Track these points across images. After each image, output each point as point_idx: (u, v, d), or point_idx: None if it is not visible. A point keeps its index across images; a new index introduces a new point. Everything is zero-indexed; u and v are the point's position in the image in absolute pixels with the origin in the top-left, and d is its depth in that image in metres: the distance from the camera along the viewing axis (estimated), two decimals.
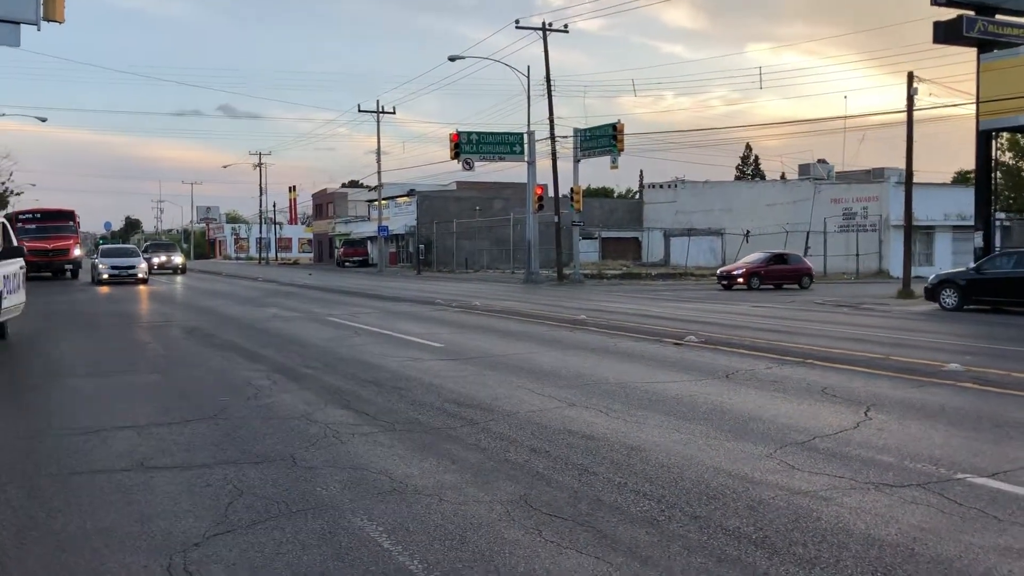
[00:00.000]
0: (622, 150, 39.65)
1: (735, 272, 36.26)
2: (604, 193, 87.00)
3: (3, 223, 13.87)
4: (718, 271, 38.75)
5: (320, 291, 31.94)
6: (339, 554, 4.53)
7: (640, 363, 11.88)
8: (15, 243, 14.11)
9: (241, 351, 13.04)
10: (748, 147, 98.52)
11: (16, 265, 13.49)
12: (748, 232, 53.80)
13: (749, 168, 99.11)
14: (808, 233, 50.61)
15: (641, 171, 73.07)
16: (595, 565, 4.39)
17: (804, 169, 63.34)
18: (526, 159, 42.88)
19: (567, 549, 4.62)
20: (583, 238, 56.64)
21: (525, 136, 42.80)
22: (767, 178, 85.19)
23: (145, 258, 45.64)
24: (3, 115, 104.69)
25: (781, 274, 36.44)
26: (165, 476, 6.06)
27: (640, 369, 11.26)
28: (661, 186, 67.12)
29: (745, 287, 35.13)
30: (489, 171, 59.05)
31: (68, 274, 39.25)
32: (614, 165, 40.54)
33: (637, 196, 77.32)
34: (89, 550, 4.60)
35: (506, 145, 42.95)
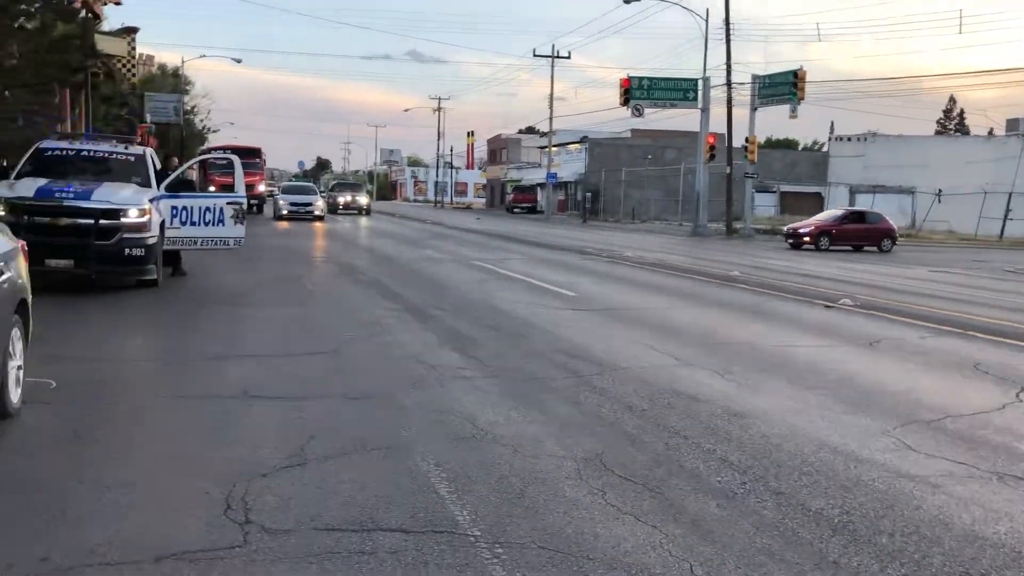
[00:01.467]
0: (802, 99, 37.51)
1: (802, 230, 32.16)
2: (786, 145, 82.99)
3: (151, 153, 14.60)
4: (785, 228, 34.78)
5: (480, 235, 32.38)
6: (393, 496, 4.51)
7: (779, 324, 11.25)
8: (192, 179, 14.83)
9: (383, 289, 13.38)
10: (952, 100, 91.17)
11: (182, 199, 14.26)
12: (940, 191, 49.90)
13: (952, 123, 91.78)
14: (1011, 195, 46.28)
15: (832, 123, 69.15)
16: (648, 535, 4.15)
17: (1012, 124, 57.88)
18: (699, 106, 41.37)
19: (625, 515, 4.39)
20: (758, 191, 54.42)
21: (700, 82, 41.26)
22: (971, 134, 78.49)
23: (331, 197, 47.73)
24: (203, 56, 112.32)
25: (856, 234, 31.75)
26: (263, 406, 6.27)
27: (777, 331, 10.66)
28: (849, 139, 63.31)
29: (813, 247, 30.87)
30: (663, 118, 57.68)
31: (254, 209, 41.61)
32: (793, 114, 38.48)
33: (824, 149, 73.28)
34: (162, 472, 4.81)
35: (679, 91, 41.59)
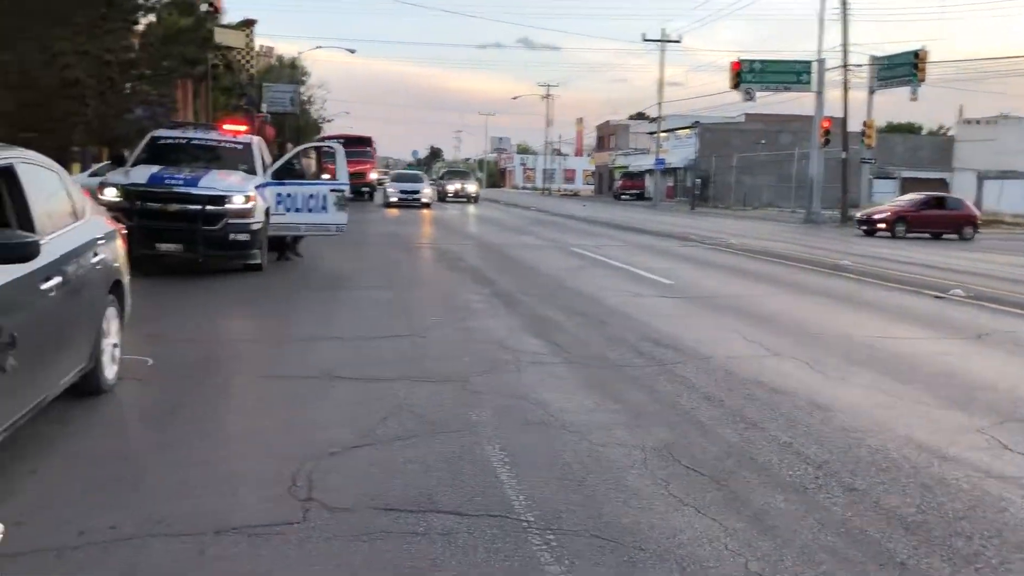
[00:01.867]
0: (923, 80, 35.85)
1: (876, 216, 30.46)
2: (908, 129, 79.22)
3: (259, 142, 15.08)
4: (858, 215, 32.92)
5: (583, 222, 32.23)
6: (453, 479, 4.55)
7: (881, 315, 10.78)
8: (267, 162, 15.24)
9: (476, 275, 13.49)
10: None
11: (287, 185, 14.72)
12: None
13: None
14: None
15: (961, 106, 65.19)
16: (707, 527, 4.05)
17: None
18: (813, 89, 40.00)
19: (686, 506, 4.30)
20: (878, 177, 52.31)
21: (814, 64, 39.86)
22: None
23: (440, 185, 48.40)
24: (318, 47, 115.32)
25: (935, 220, 30.20)
26: (343, 386, 6.41)
27: (877, 321, 10.22)
28: (978, 122, 60.04)
29: (888, 234, 29.13)
30: (778, 102, 55.88)
31: (365, 196, 42.53)
32: (913, 96, 36.82)
33: (950, 133, 69.65)
34: (237, 448, 4.98)
35: (792, 74, 40.33)
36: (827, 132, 38.43)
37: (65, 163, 14.91)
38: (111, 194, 12.01)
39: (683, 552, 3.78)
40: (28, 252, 4.08)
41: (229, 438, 5.17)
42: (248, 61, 49.25)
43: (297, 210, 14.21)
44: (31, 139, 11.34)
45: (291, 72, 64.08)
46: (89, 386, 5.79)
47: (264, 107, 46.53)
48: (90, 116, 10.71)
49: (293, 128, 58.15)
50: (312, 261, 14.59)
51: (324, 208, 14.75)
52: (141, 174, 12.35)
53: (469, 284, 12.43)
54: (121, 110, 12.62)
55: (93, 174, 15.26)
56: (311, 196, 14.46)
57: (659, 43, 58.20)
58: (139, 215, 11.86)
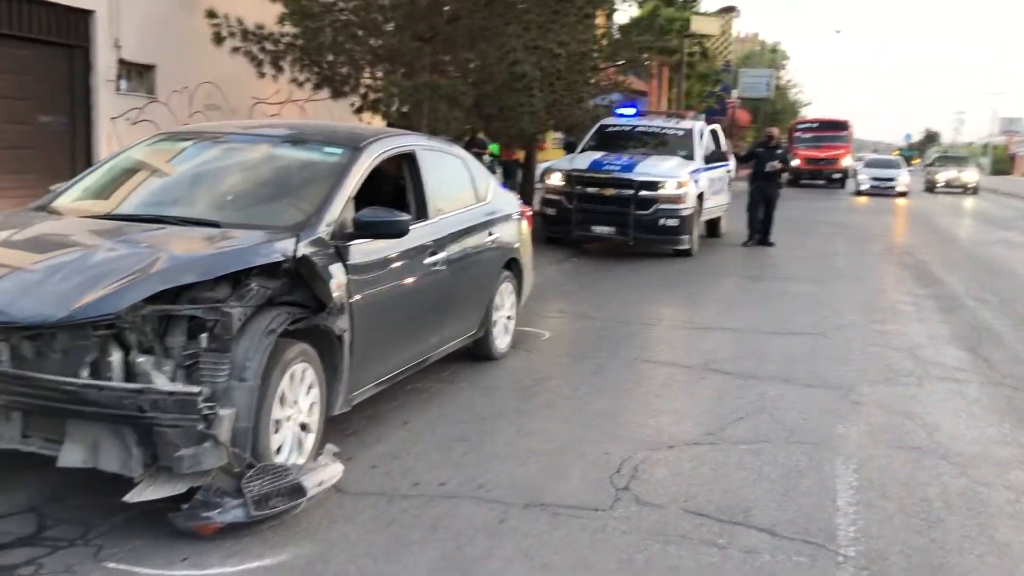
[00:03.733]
0: None
1: None
2: None
3: (713, 129, 15.07)
4: None
5: None
6: (782, 495, 4.19)
7: None
8: (723, 148, 15.22)
9: (923, 273, 12.12)
10: None
11: (723, 170, 14.65)
12: None
13: None
14: None
15: None
16: None
17: None
18: None
19: None
20: None
21: None
22: None
23: (928, 173, 43.95)
24: (799, 30, 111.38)
25: None
26: (713, 380, 6.23)
27: None
28: None
29: None
30: None
31: (838, 183, 40.37)
32: None
33: None
34: (581, 428, 5.11)
35: None
36: None
37: (529, 150, 16.49)
38: (556, 179, 13.00)
39: None
40: (397, 230, 4.59)
41: (580, 416, 5.33)
42: (725, 48, 49.65)
43: (715, 193, 14.25)
44: (488, 127, 12.71)
45: (771, 56, 63.19)
46: (480, 352, 6.39)
47: (735, 93, 46.51)
48: (536, 107, 11.63)
49: (768, 113, 57.38)
50: (745, 250, 14.29)
51: (723, 191, 14.79)
52: (584, 160, 13.16)
53: (908, 283, 11.21)
54: (574, 100, 13.54)
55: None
56: (719, 179, 14.46)
57: None
58: (578, 199, 12.68)
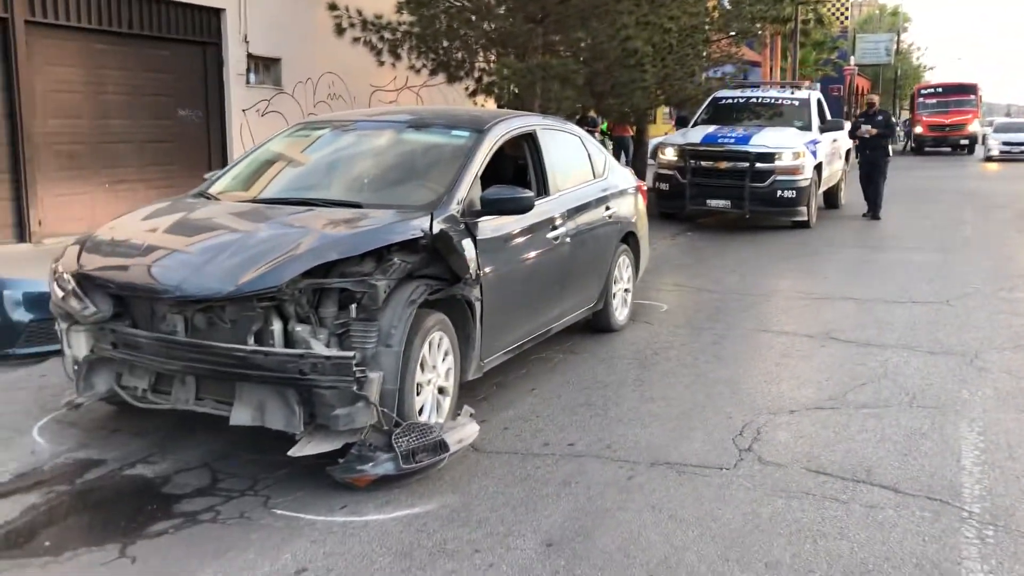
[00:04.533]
0: None
1: None
2: None
3: (819, 98, 14.61)
4: None
5: None
6: (905, 455, 4.27)
7: None
8: (827, 117, 14.75)
9: None
10: None
11: (831, 139, 14.24)
12: None
13: None
14: None
15: None
16: None
17: None
18: None
19: None
20: None
21: None
22: None
23: None
24: None
25: None
26: (834, 347, 6.27)
27: None
28: None
29: None
30: None
31: (965, 150, 38.57)
32: None
33: None
34: (704, 393, 5.26)
35: None
36: None
37: (641, 125, 16.50)
38: (669, 153, 13.02)
39: None
40: (523, 206, 4.84)
41: (700, 383, 5.47)
42: (842, 13, 47.88)
43: (828, 163, 14.07)
44: (600, 105, 12.81)
45: (891, 20, 60.57)
46: (600, 324, 6.60)
47: (852, 59, 44.84)
48: (648, 81, 11.69)
49: (888, 79, 55.13)
50: (864, 221, 13.96)
51: (838, 158, 14.60)
52: (697, 134, 13.13)
53: None
54: (685, 73, 13.50)
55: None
56: (831, 147, 14.26)
57: None
58: (692, 173, 12.67)
